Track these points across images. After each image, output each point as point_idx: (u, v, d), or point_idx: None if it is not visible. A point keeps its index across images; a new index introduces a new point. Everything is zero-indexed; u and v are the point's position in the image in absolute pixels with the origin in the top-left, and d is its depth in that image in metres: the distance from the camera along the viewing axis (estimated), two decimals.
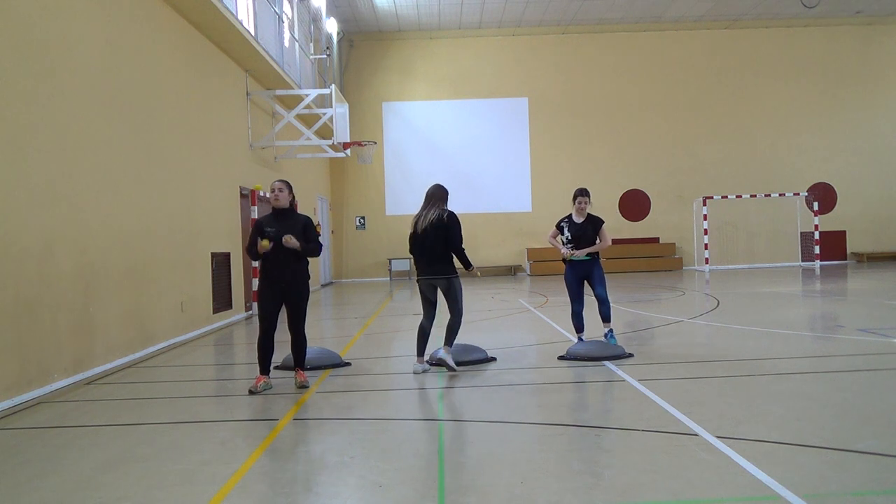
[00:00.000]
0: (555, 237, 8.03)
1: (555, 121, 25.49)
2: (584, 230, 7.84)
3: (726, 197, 24.06)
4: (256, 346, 6.56)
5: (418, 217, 7.15)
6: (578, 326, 8.06)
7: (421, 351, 7.22)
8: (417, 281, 7.31)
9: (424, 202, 7.23)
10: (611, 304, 8.09)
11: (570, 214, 7.99)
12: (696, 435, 4.59)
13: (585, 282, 7.94)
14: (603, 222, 7.91)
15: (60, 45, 7.52)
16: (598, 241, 7.83)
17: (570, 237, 7.83)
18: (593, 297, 7.99)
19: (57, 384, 6.96)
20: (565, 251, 7.81)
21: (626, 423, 5.06)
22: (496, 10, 23.31)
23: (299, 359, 6.74)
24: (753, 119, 25.57)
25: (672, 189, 25.53)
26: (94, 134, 8.10)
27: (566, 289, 8.06)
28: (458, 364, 7.22)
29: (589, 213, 7.96)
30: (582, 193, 7.90)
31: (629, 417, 5.24)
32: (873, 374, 6.45)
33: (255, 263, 7.78)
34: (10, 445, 5.12)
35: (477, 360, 7.51)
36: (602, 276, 7.89)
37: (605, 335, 7.96)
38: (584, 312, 8.10)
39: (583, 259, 7.82)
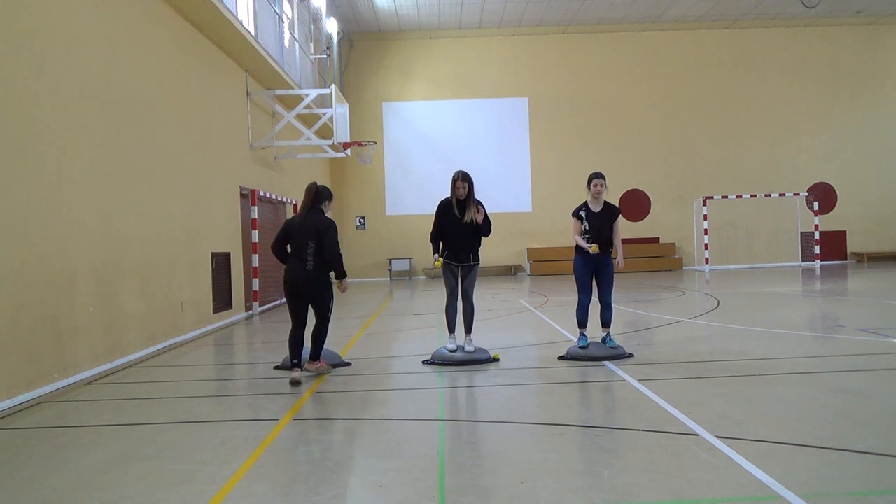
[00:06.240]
0: (579, 233, 7.59)
1: (555, 121, 25.49)
2: (602, 222, 7.49)
3: (726, 197, 24.06)
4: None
5: None
6: (583, 321, 7.68)
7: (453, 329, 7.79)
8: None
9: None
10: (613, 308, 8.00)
11: (586, 202, 7.61)
12: (696, 435, 4.59)
13: (594, 275, 7.63)
14: (619, 212, 7.63)
15: (60, 45, 7.51)
16: (614, 236, 7.58)
17: (587, 227, 7.51)
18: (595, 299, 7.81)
19: (57, 384, 6.96)
20: (589, 247, 7.40)
21: (626, 423, 5.06)
22: (496, 10, 23.31)
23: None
24: (753, 119, 25.58)
25: (672, 189, 25.54)
26: (93, 134, 8.09)
27: (575, 279, 7.69)
28: (460, 364, 7.35)
29: (605, 201, 7.58)
30: (597, 176, 7.52)
31: (629, 417, 5.24)
32: (873, 374, 6.44)
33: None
34: (10, 445, 5.11)
35: (479, 360, 7.52)
36: (612, 277, 7.62)
37: (604, 339, 7.65)
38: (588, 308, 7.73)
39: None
